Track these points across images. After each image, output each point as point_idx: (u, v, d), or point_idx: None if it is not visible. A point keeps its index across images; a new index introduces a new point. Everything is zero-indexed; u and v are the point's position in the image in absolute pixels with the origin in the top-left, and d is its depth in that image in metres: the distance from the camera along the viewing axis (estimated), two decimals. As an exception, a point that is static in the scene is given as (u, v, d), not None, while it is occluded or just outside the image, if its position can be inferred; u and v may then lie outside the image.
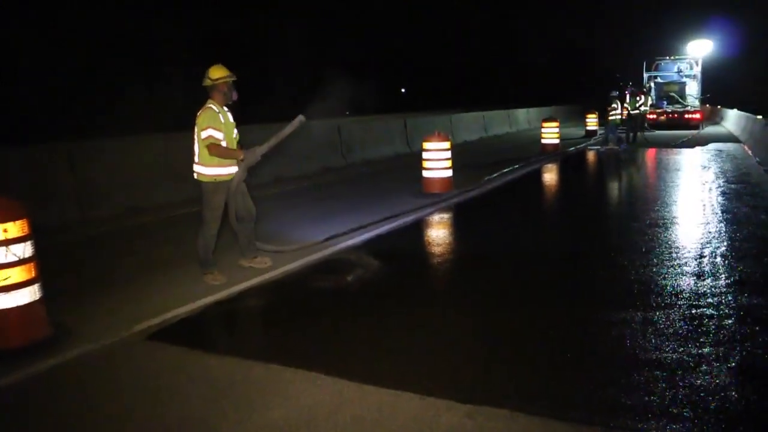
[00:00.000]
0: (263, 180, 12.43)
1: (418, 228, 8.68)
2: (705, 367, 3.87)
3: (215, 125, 5.98)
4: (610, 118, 20.55)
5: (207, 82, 6.11)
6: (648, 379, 3.73)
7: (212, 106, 6.08)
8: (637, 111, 22.32)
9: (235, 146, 6.22)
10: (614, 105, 20.45)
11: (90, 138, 12.90)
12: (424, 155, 11.47)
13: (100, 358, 4.46)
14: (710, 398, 3.48)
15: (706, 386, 3.61)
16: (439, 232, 8.57)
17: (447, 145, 11.44)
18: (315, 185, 13.20)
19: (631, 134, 22.28)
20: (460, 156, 11.83)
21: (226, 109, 6.23)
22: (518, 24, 61.47)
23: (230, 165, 6.16)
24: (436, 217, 9.33)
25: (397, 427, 3.31)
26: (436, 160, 11.36)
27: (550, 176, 14.59)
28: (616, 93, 20.56)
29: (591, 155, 18.96)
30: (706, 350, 4.13)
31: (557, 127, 19.12)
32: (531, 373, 3.93)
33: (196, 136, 6.08)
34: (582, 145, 21.54)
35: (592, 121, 26.15)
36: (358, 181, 13.82)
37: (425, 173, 11.44)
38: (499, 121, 30.07)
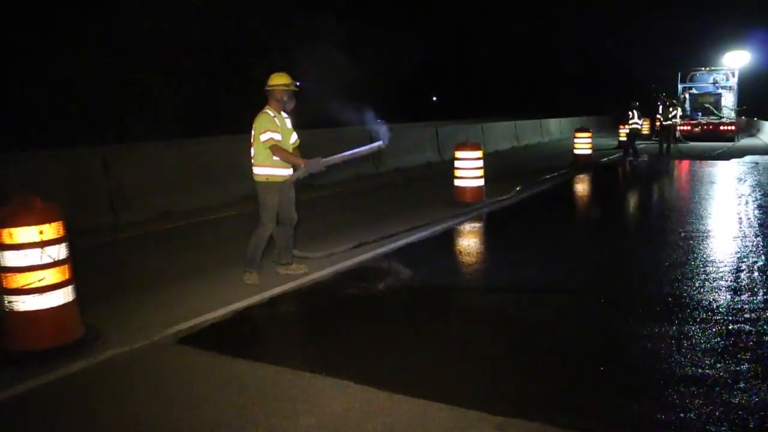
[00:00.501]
0: (295, 187, 12.50)
1: (449, 237, 8.64)
2: (743, 385, 3.77)
3: (272, 128, 6.18)
4: (629, 127, 20.40)
5: (267, 87, 6.32)
6: (684, 395, 3.65)
7: (268, 111, 6.28)
8: (669, 122, 22.02)
9: (291, 151, 6.40)
10: (629, 114, 20.26)
11: (124, 142, 13.10)
12: (456, 164, 11.43)
13: (130, 361, 4.50)
14: (748, 417, 3.39)
15: (745, 404, 3.52)
16: (470, 242, 8.53)
17: (479, 153, 11.39)
18: (347, 192, 13.24)
19: (665, 145, 21.99)
20: (491, 165, 11.77)
21: (284, 115, 6.40)
22: (552, 33, 61.01)
23: (283, 167, 6.32)
24: (467, 227, 9.29)
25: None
26: (468, 169, 11.30)
27: (582, 187, 14.44)
28: (637, 103, 20.31)
29: (624, 166, 18.73)
30: (744, 367, 4.03)
31: (590, 137, 18.89)
32: (563, 386, 3.87)
33: (253, 140, 6.27)
34: (615, 156, 21.30)
35: (624, 132, 25.81)
36: (389, 189, 13.84)
37: (457, 182, 11.39)
38: (531, 130, 29.89)
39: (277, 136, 6.19)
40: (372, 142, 17.76)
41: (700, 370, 3.99)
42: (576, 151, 18.92)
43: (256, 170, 6.30)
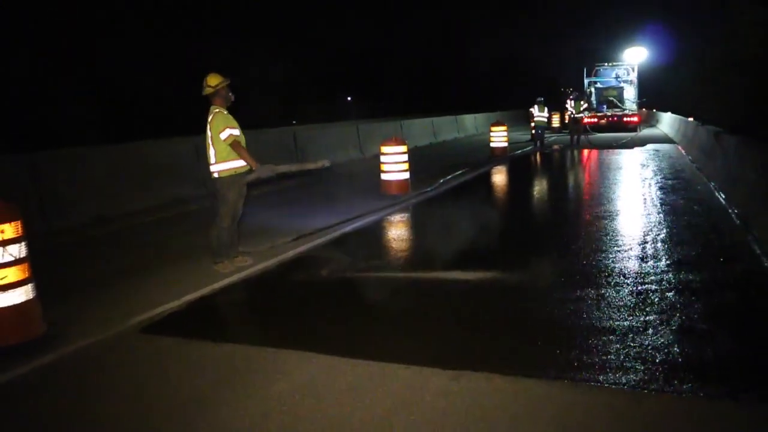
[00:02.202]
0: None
1: (381, 227, 9.11)
2: (651, 331, 4.43)
3: (230, 125, 6.52)
4: (535, 121, 21.81)
5: (208, 90, 6.59)
6: (605, 342, 4.26)
7: (219, 109, 6.58)
8: (579, 115, 23.38)
9: (244, 142, 6.73)
10: (531, 110, 21.73)
11: (51, 148, 12.89)
12: (382, 159, 11.91)
13: (99, 351, 4.71)
14: (657, 354, 4.03)
15: (653, 345, 4.17)
16: (401, 230, 9.02)
17: (404, 148, 11.92)
18: (273, 191, 13.47)
19: (575, 137, 23.29)
20: (413, 160, 12.32)
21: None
22: (463, 32, 62.71)
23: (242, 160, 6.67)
24: (397, 217, 9.78)
25: (391, 392, 3.73)
26: (394, 164, 11.82)
27: (501, 177, 15.25)
28: (542, 99, 21.63)
29: (538, 156, 19.79)
30: (651, 317, 4.70)
31: (505, 130, 19.85)
32: (503, 343, 4.40)
33: (210, 140, 6.57)
34: (529, 148, 22.40)
35: (533, 125, 27.08)
36: (316, 186, 14.16)
37: (384, 176, 11.88)
38: (448, 126, 30.83)
39: (236, 132, 6.53)
40: (296, 143, 17.99)
41: (616, 323, 4.62)
42: (492, 144, 19.82)
43: (219, 167, 6.57)
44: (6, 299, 4.76)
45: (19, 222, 4.89)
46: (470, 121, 34.58)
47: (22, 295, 4.86)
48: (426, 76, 63.77)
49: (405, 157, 11.93)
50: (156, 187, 12.00)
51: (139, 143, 13.68)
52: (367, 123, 24.95)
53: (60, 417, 3.75)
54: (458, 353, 4.24)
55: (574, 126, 23.60)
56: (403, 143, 12.08)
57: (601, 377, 3.75)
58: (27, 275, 4.94)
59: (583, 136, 23.78)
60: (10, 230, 4.79)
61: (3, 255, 4.75)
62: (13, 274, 4.81)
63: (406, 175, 11.95)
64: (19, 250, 4.87)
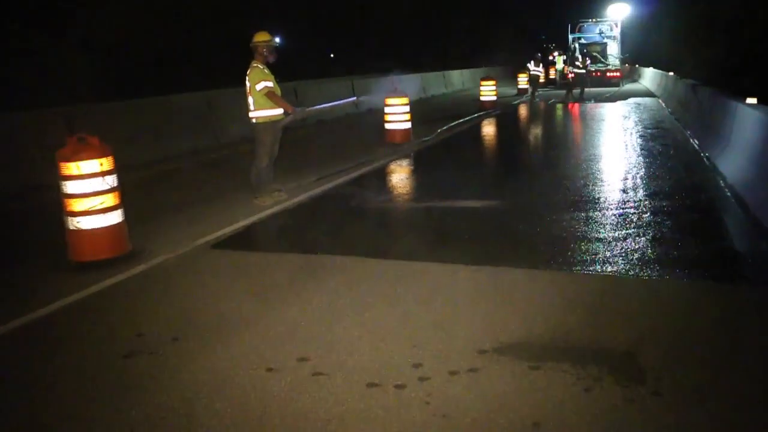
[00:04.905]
0: (235, 139, 13.56)
1: (393, 169, 10.16)
2: (630, 239, 5.60)
3: (265, 78, 7.46)
4: (531, 74, 22.87)
5: (252, 44, 7.57)
6: (594, 247, 5.43)
7: (257, 64, 7.54)
8: (582, 70, 24.17)
9: (280, 91, 7.66)
10: (528, 65, 22.77)
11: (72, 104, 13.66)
12: (387, 110, 12.88)
13: (180, 263, 5.71)
14: (634, 254, 5.20)
15: (631, 248, 5.34)
16: (411, 171, 10.09)
17: (406, 100, 12.90)
18: (288, 140, 14.33)
19: (579, 90, 23.73)
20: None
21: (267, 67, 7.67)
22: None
23: (278, 108, 7.62)
24: (405, 161, 10.84)
25: (430, 280, 4.87)
26: (397, 114, 12.81)
27: (493, 127, 16.31)
28: (539, 55, 22.65)
29: (528, 108, 20.85)
30: (630, 231, 5.87)
31: (494, 85, 20.83)
32: (514, 248, 5.56)
33: (249, 91, 7.54)
34: (516, 102, 23.41)
35: (522, 80, 28.00)
36: (320, 138, 15.10)
37: (388, 126, 12.86)
38: (436, 82, 31.65)
39: (270, 84, 7.47)
40: (296, 97, 18.74)
41: (601, 234, 5.79)
42: (482, 98, 20.80)
43: (258, 114, 7.56)
44: (106, 220, 5.76)
45: (111, 157, 5.86)
46: (457, 77, 35.38)
47: (117, 217, 5.86)
48: (410, 33, 63.86)
49: (407, 108, 12.90)
50: (174, 139, 12.86)
51: (157, 98, 14.44)
52: (359, 78, 25.72)
53: (163, 309, 4.71)
54: (477, 255, 5.36)
55: (580, 80, 24.18)
56: (405, 96, 13.03)
57: (591, 268, 4.90)
58: (119, 201, 5.93)
59: (575, 91, 24.50)
60: (107, 163, 5.77)
61: (103, 183, 5.75)
62: (110, 200, 5.79)
63: (409, 125, 12.94)
64: (113, 180, 5.85)
